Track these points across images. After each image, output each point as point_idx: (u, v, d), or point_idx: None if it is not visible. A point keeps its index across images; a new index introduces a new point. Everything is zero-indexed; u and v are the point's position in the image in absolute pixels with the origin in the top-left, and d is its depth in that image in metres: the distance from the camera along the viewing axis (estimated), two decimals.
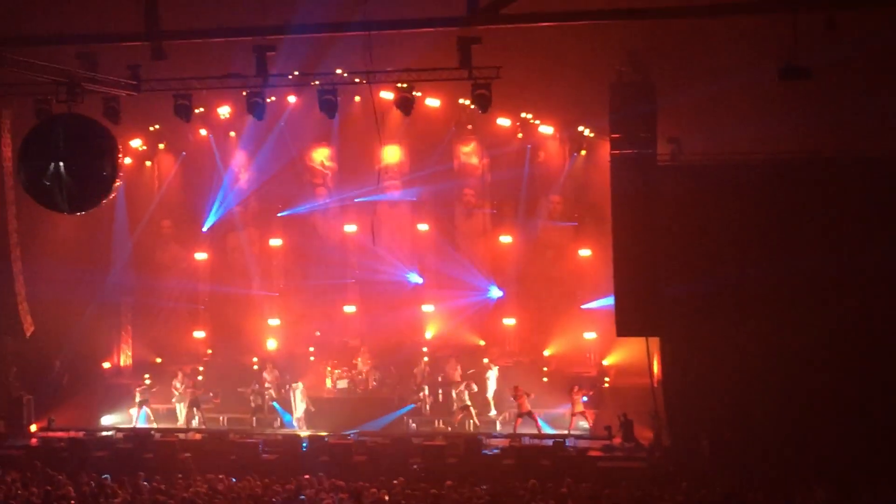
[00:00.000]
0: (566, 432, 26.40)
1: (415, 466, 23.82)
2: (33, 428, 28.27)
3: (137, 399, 28.89)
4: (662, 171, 24.56)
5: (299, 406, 28.41)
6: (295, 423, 28.22)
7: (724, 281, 23.89)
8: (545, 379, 28.54)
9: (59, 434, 27.66)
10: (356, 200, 31.84)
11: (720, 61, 23.72)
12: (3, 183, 27.00)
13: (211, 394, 29.41)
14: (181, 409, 28.96)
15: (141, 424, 28.51)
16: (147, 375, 29.48)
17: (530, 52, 24.21)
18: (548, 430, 26.68)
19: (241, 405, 29.08)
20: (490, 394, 28.29)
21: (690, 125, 24.82)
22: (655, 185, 24.36)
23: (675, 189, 24.41)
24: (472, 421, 27.51)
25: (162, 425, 28.57)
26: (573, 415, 26.87)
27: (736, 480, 20.85)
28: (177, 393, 29.10)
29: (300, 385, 28.55)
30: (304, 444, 25.65)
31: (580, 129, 29.06)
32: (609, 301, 26.45)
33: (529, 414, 26.55)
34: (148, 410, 28.87)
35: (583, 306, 29.48)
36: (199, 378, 30.28)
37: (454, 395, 28.14)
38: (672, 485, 20.69)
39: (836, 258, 23.48)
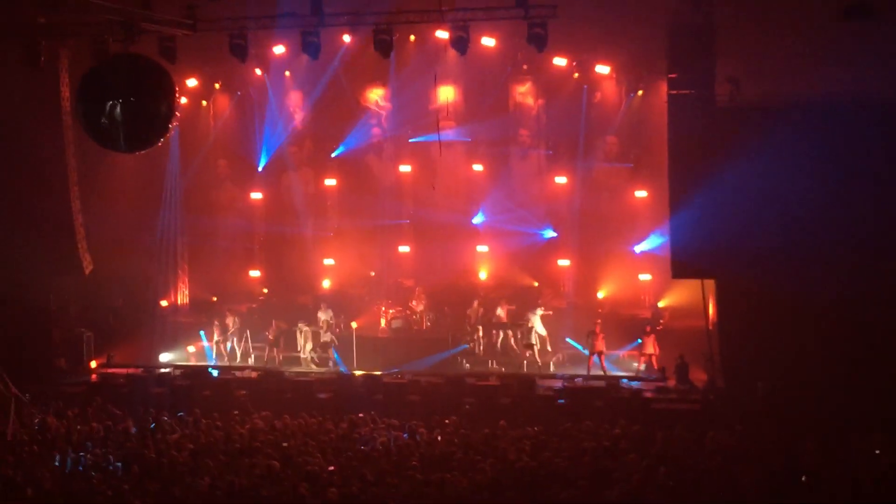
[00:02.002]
0: (622, 374, 26.44)
1: (467, 406, 23.95)
2: (93, 364, 28.73)
3: (215, 339, 29.42)
4: (720, 111, 24.22)
5: (306, 346, 28.79)
6: (303, 363, 28.66)
7: (781, 223, 23.61)
8: (599, 321, 28.44)
9: (119, 371, 28.11)
10: (411, 141, 31.78)
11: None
12: (62, 122, 27.19)
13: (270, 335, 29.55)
14: (236, 347, 29.34)
15: (212, 361, 29.08)
16: (216, 322, 29.89)
17: None
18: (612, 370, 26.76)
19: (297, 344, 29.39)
20: (542, 334, 28.29)
21: (750, 65, 24.41)
22: (713, 126, 24.05)
23: (733, 130, 24.06)
24: (536, 360, 27.59)
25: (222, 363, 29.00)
26: (642, 355, 26.89)
27: (791, 424, 20.74)
28: (228, 331, 29.50)
29: (306, 327, 28.96)
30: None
31: (637, 68, 28.71)
32: (658, 241, 26.79)
33: (600, 354, 26.58)
34: (218, 348, 29.43)
35: (636, 249, 29.34)
36: (255, 316, 30.55)
37: (518, 334, 28.25)
38: (726, 428, 20.64)
39: None
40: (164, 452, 18.35)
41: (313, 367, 28.43)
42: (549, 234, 30.83)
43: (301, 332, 28.97)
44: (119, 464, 17.85)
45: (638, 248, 29.32)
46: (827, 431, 19.72)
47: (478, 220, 31.41)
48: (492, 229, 31.51)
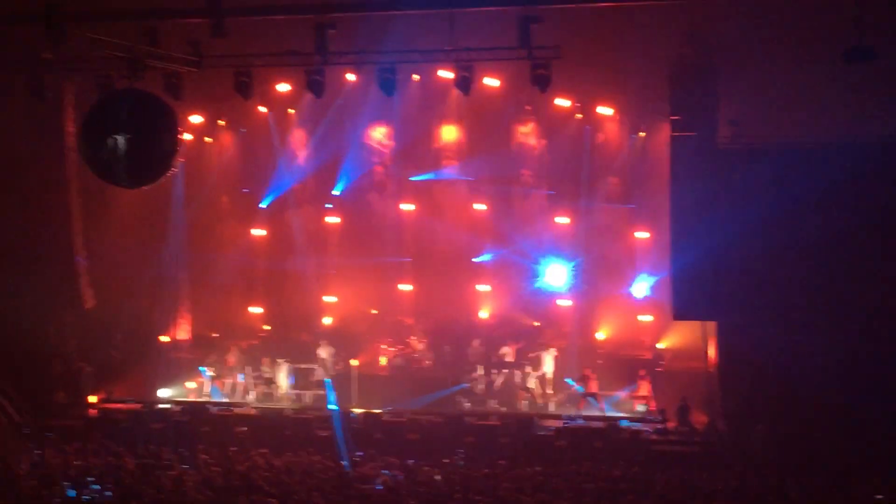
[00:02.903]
0: (622, 415, 26.37)
1: (461, 456, 23.68)
2: (92, 399, 28.65)
3: (210, 374, 29.35)
4: (722, 153, 24.32)
5: (283, 383, 28.86)
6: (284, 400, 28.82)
7: (783, 266, 23.61)
8: (599, 361, 28.39)
9: (118, 406, 28.03)
10: (412, 179, 31.86)
11: (783, 42, 23.42)
12: (66, 157, 27.29)
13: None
14: (237, 383, 29.30)
15: (215, 398, 28.95)
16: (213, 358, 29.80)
17: (591, 33, 24.08)
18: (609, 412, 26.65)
19: (297, 381, 29.38)
20: (548, 375, 28.22)
21: (752, 108, 24.51)
22: (715, 168, 24.13)
23: (734, 172, 24.14)
24: (536, 402, 27.49)
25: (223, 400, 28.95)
26: (635, 397, 26.82)
27: (791, 467, 20.66)
28: (228, 367, 29.49)
29: (285, 363, 29.14)
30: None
31: (640, 110, 28.84)
32: (650, 281, 27.72)
33: (595, 396, 26.53)
34: (217, 384, 29.33)
35: (632, 290, 29.40)
36: (256, 353, 30.52)
37: (517, 377, 28.21)
38: (726, 470, 20.57)
39: None
40: (163, 488, 18.27)
41: (289, 402, 28.49)
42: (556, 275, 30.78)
43: (280, 368, 28.99)
44: (118, 499, 17.75)
45: (633, 290, 29.37)
46: (827, 475, 19.66)
47: (484, 258, 31.42)
48: (494, 268, 31.52)
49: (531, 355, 28.42)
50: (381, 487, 18.80)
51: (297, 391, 28.98)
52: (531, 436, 24.88)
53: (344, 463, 21.34)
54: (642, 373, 27.01)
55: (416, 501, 17.61)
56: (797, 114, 23.80)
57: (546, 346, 28.55)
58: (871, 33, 18.27)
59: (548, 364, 28.06)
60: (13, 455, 21.60)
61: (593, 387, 26.61)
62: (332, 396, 27.86)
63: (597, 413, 26.28)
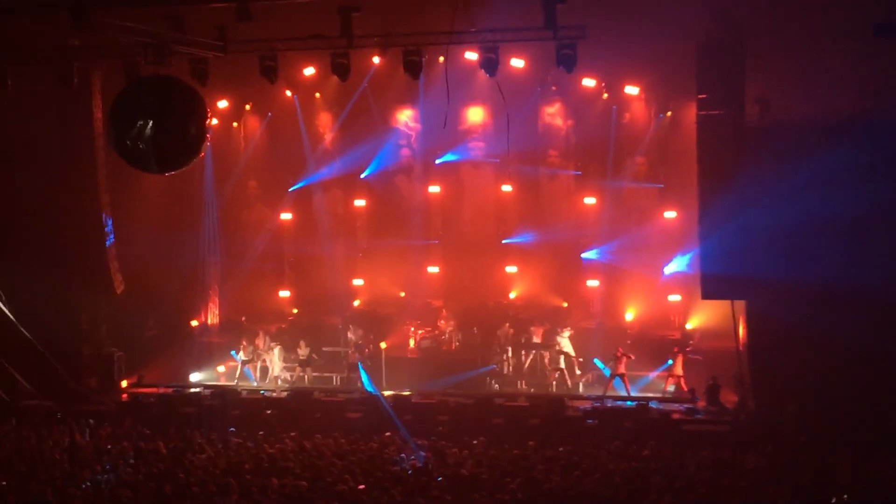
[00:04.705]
0: (652, 395, 26.32)
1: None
2: (124, 384, 28.87)
3: (241, 358, 29.53)
4: (750, 131, 24.15)
5: (276, 366, 29.19)
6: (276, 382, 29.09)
7: (812, 243, 23.44)
8: (629, 342, 28.34)
9: (149, 390, 28.23)
10: (438, 162, 31.85)
11: (811, 17, 23.22)
12: (94, 144, 27.43)
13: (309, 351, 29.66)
14: (269, 366, 29.45)
15: (249, 381, 29.23)
16: (243, 342, 29.96)
17: (617, 11, 23.98)
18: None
19: (326, 364, 29.48)
20: (572, 355, 28.20)
21: (780, 85, 24.34)
22: (743, 146, 23.98)
23: (762, 150, 23.97)
24: (566, 381, 27.51)
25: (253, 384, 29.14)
26: (670, 376, 26.77)
27: (821, 445, 20.58)
28: (259, 351, 29.65)
29: (278, 347, 29.51)
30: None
31: (666, 89, 28.70)
32: (684, 260, 27.50)
33: (622, 377, 26.50)
34: (248, 367, 29.54)
35: (665, 271, 29.25)
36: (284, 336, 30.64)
37: (546, 357, 28.22)
38: (756, 449, 20.51)
39: None
40: (193, 472, 18.41)
41: (284, 385, 28.85)
42: (588, 254, 30.73)
43: (274, 352, 29.31)
44: (150, 484, 17.89)
45: (666, 270, 29.22)
46: (858, 452, 19.57)
47: (512, 240, 31.39)
48: (522, 250, 31.49)
49: (554, 337, 28.36)
50: (412, 469, 18.89)
51: (290, 373, 29.30)
52: (561, 416, 24.86)
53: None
54: (675, 349, 26.88)
55: (446, 483, 17.66)
56: (826, 90, 23.59)
57: (561, 329, 28.45)
58: None
59: (566, 345, 27.99)
60: (46, 440, 21.79)
61: (622, 367, 26.55)
62: (366, 378, 27.95)
63: (623, 395, 26.25)
